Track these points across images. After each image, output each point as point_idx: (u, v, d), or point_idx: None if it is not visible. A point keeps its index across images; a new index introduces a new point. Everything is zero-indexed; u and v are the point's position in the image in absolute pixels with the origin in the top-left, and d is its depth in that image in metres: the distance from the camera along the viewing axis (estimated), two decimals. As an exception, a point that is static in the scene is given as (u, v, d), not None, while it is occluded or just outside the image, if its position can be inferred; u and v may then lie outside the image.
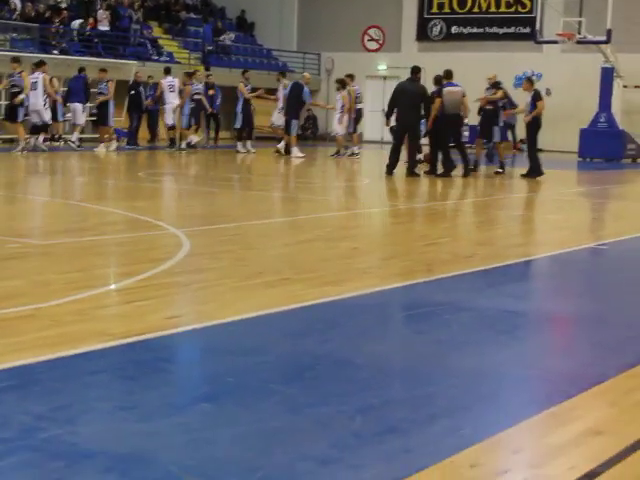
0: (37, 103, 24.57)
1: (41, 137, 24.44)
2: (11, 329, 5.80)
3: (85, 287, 7.04)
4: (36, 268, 7.88)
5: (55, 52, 30.91)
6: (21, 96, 23.59)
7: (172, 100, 27.32)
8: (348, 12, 38.72)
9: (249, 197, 15.99)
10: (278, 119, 26.69)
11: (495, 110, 21.21)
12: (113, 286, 7.16)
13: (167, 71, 27.92)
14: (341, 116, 25.44)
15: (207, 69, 32.28)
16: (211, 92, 28.32)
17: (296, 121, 25.66)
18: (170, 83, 27.53)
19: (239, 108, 26.48)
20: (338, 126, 25.64)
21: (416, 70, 20.07)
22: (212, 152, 27.16)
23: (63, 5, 33.56)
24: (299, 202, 15.32)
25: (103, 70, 25.84)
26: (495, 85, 21.37)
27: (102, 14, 34.17)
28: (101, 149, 25.21)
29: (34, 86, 24.65)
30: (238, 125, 26.68)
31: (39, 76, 24.70)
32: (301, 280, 7.79)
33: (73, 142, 25.89)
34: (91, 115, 27.96)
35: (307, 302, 6.94)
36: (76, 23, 32.78)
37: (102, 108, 25.73)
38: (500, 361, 5.69)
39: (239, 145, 26.57)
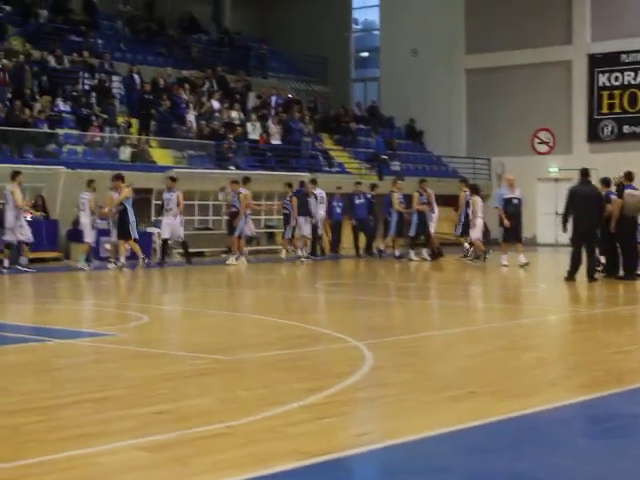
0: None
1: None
2: (206, 448, 5.90)
3: (274, 404, 7.12)
4: (225, 384, 8.02)
5: (231, 167, 31.86)
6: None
7: (319, 211, 27.77)
8: (517, 116, 38.78)
9: (425, 306, 15.97)
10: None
11: None
12: (301, 402, 7.20)
13: (314, 182, 28.47)
14: (474, 220, 25.28)
15: (380, 179, 32.75)
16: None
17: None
18: (320, 194, 27.98)
19: (414, 218, 26.67)
20: (472, 231, 25.48)
21: (585, 172, 19.79)
22: (384, 261, 27.30)
23: (236, 121, 34.66)
24: (476, 311, 15.20)
25: (235, 182, 25.83)
26: None
27: (274, 128, 35.18)
28: (231, 261, 25.11)
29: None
30: (413, 233, 26.80)
31: (243, 191, 25.67)
32: (487, 393, 7.68)
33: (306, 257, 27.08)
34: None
35: (495, 417, 6.82)
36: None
37: (231, 219, 25.67)
38: None
39: (412, 253, 26.63)
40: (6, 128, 27.76)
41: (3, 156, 27.36)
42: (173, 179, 25.25)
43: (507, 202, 23.71)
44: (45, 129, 29.01)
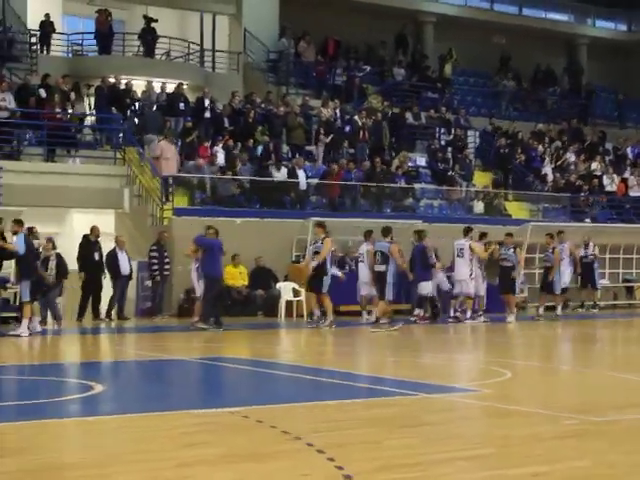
0: None
1: None
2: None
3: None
4: (599, 447, 7.71)
5: (587, 220, 31.24)
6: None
7: None
8: None
9: None
10: None
11: None
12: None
13: None
14: None
15: None
16: None
17: None
18: None
19: None
20: None
21: None
22: None
23: (595, 173, 34.04)
24: None
25: (509, 234, 24.40)
26: None
27: (633, 180, 34.18)
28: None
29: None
30: None
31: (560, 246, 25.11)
32: None
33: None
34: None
35: None
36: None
37: (506, 276, 24.22)
38: None
39: None
40: (366, 184, 28.71)
41: (360, 212, 28.28)
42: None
43: None
44: (402, 184, 29.73)
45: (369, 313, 22.70)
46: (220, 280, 21.17)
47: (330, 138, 30.22)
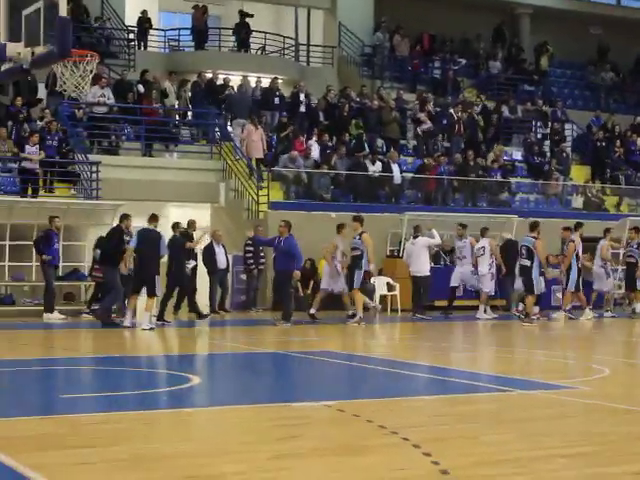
0: None
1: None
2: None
3: None
4: None
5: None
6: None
7: None
8: None
9: None
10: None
11: None
12: None
13: None
14: None
15: None
16: None
17: None
18: None
19: None
20: None
21: None
22: None
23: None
24: None
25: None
26: None
27: None
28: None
29: None
30: None
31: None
32: None
33: None
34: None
35: None
36: None
37: (629, 271, 24.17)
38: None
39: None
40: (462, 178, 28.53)
41: (457, 205, 28.13)
42: (463, 226, 23.60)
43: None
44: (498, 178, 29.46)
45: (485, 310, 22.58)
46: (291, 273, 20.65)
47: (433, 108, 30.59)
